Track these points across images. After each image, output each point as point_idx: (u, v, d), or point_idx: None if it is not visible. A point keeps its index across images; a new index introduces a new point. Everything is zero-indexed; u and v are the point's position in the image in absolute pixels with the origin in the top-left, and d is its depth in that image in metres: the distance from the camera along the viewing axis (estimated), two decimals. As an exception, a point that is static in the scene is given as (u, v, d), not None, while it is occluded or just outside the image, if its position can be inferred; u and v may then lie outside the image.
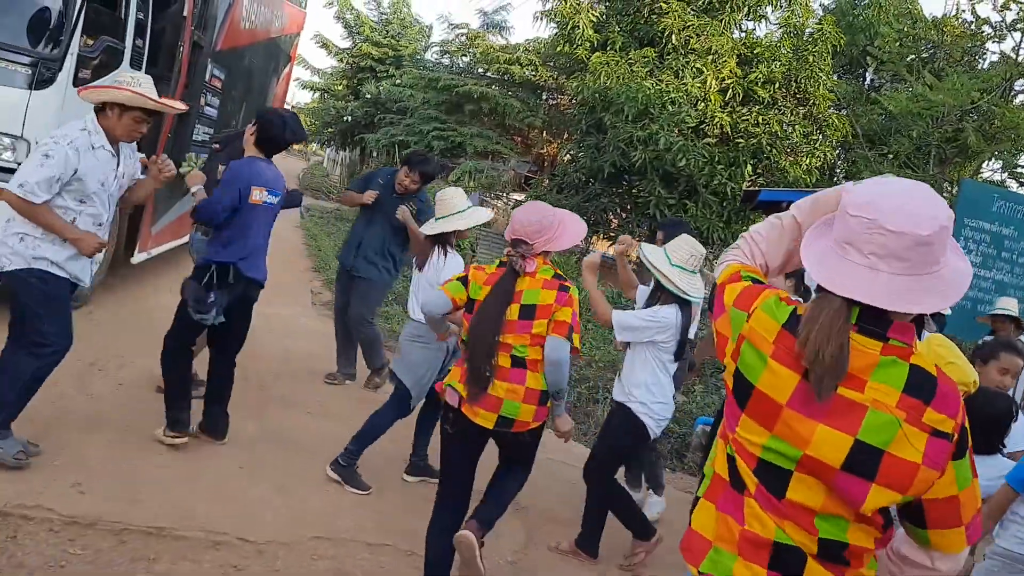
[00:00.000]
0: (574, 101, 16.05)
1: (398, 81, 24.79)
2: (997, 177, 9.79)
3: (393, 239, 5.86)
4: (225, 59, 8.19)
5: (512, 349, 3.19)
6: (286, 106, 14.31)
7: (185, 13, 6.86)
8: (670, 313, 4.07)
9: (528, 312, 3.19)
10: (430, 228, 4.49)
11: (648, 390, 4.10)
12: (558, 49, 16.52)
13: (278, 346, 6.74)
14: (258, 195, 4.19)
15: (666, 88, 13.53)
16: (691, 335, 4.51)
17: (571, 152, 15.95)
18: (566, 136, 19.53)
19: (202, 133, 7.88)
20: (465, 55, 23.08)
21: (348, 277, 6.04)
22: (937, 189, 10.51)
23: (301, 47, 18.30)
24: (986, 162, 9.26)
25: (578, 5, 15.39)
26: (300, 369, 6.31)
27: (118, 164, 3.73)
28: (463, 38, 23.16)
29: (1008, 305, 6.40)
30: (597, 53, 14.30)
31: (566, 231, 3.32)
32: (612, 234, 14.93)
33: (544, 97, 21.76)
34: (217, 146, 5.96)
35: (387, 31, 28.59)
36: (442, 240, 4.52)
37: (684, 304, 4.09)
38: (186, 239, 6.59)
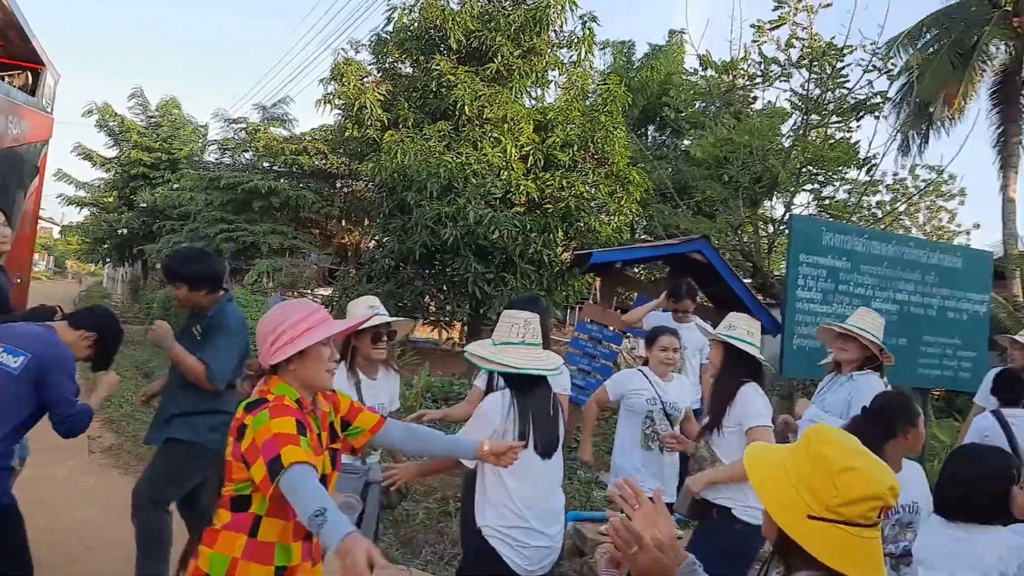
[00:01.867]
0: (371, 185, 15.24)
1: (176, 185, 23.09)
2: (808, 211, 9.83)
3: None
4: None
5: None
6: (54, 225, 12.54)
7: None
8: (488, 402, 3.22)
9: None
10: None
11: (498, 512, 3.15)
12: (347, 133, 15.76)
13: (55, 523, 5.25)
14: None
15: (467, 160, 13.02)
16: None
17: (376, 238, 15.06)
18: (367, 222, 18.65)
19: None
20: (247, 150, 21.80)
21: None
22: (752, 230, 10.69)
23: (62, 161, 16.43)
24: (795, 196, 9.22)
25: (362, 85, 14.71)
26: (79, 553, 4.88)
27: None
28: (243, 133, 21.92)
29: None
30: (389, 132, 13.63)
31: (289, 330, 2.35)
32: (431, 318, 14.07)
33: (338, 185, 20.87)
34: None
35: (157, 134, 26.68)
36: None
37: (526, 384, 3.24)
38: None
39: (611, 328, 7.58)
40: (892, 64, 10.83)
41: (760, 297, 8.54)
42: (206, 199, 18.98)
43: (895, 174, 20.94)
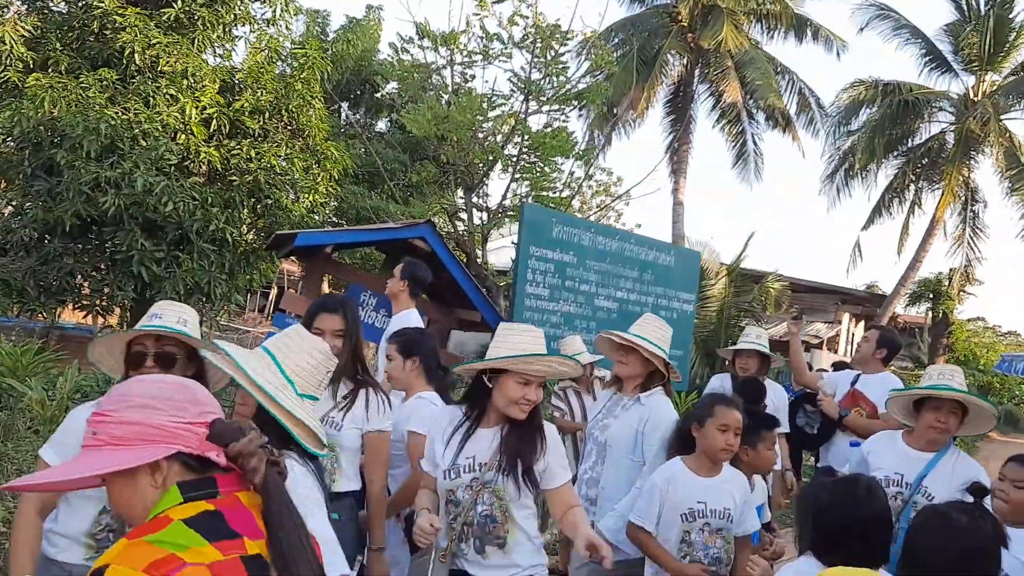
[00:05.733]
0: (9, 139, 12.54)
1: None
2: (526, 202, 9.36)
3: None
4: None
5: None
6: None
7: None
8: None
9: None
10: None
11: None
12: (-23, 74, 12.86)
13: None
14: None
15: (135, 118, 11.02)
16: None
17: (13, 203, 12.38)
18: (2, 184, 15.51)
19: None
20: None
21: None
22: (468, 218, 10.06)
23: None
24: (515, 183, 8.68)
25: (1, 16, 11.99)
26: None
27: None
28: None
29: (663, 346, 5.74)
30: (35, 75, 11.14)
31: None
32: (85, 302, 11.84)
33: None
34: None
35: None
36: None
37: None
38: None
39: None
40: (596, 60, 10.68)
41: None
42: None
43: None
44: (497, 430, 2.95)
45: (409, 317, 5.40)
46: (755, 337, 5.87)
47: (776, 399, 5.53)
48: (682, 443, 3.52)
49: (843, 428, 5.31)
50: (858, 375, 5.46)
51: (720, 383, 5.99)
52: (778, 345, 8.23)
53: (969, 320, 30.74)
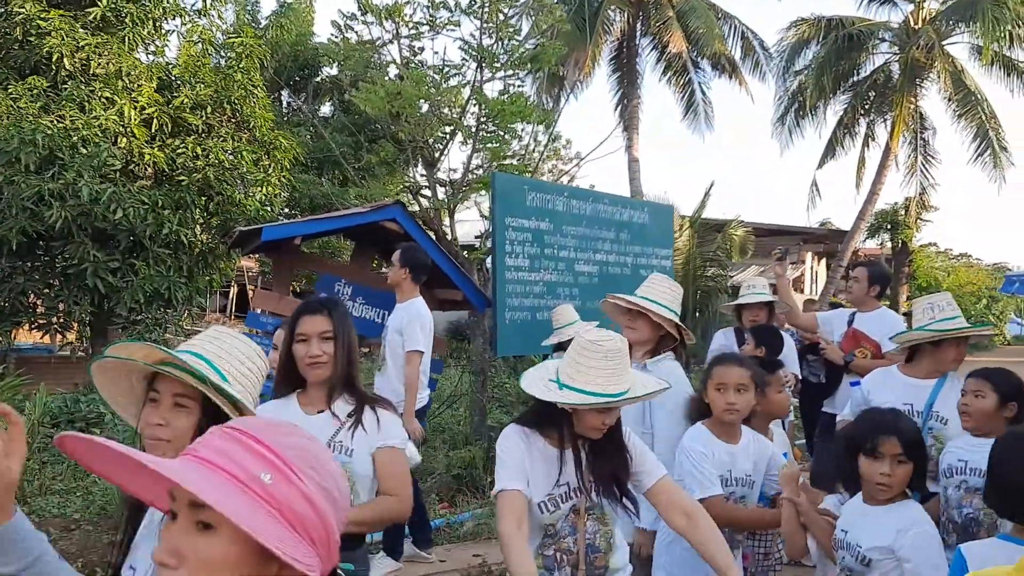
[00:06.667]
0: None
1: None
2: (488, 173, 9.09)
3: None
4: None
5: None
6: None
7: None
8: None
9: None
10: None
11: None
12: None
13: None
14: None
15: (72, 125, 10.55)
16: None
17: (-47, 225, 11.84)
18: (-61, 207, 14.87)
19: None
20: None
21: None
22: (432, 194, 9.77)
23: None
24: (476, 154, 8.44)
25: (-86, 31, 11.38)
26: None
27: None
28: None
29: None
30: (-40, 89, 10.62)
31: None
32: (41, 321, 11.40)
33: None
34: None
35: None
36: None
37: None
38: None
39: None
40: (545, 19, 10.45)
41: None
42: None
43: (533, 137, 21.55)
44: (579, 452, 2.63)
45: (415, 305, 5.21)
46: (761, 287, 5.70)
47: (785, 347, 5.36)
48: (700, 408, 3.34)
49: (848, 372, 5.19)
50: (853, 314, 5.34)
51: (724, 339, 5.81)
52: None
53: (921, 247, 31.26)
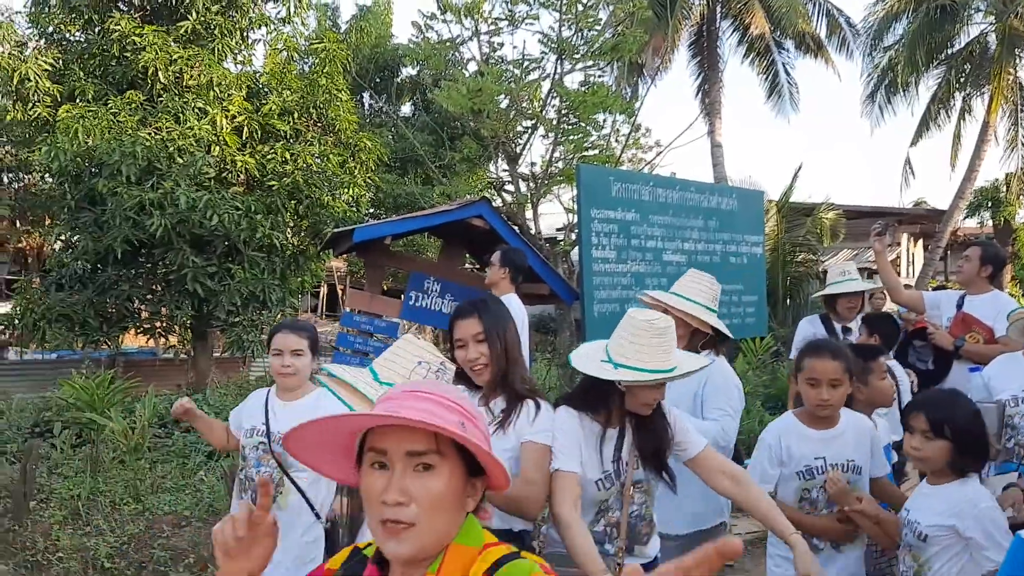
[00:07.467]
0: (48, 175, 12.61)
1: None
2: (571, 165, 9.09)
3: None
4: None
5: None
6: None
7: None
8: None
9: None
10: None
11: None
12: (8, 117, 12.92)
13: None
14: None
15: (168, 136, 10.97)
16: None
17: (62, 237, 12.46)
18: (48, 220, 15.66)
19: None
20: None
21: None
22: (515, 189, 9.86)
23: None
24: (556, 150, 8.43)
25: (21, 54, 11.98)
26: None
27: None
28: None
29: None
30: (64, 107, 11.14)
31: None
32: (146, 326, 11.90)
33: (5, 180, 17.47)
34: None
35: None
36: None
37: None
38: None
39: (383, 318, 6.32)
40: (626, 6, 10.34)
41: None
42: None
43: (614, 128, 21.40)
44: (625, 428, 2.78)
45: (511, 302, 5.28)
46: (853, 272, 5.45)
47: None
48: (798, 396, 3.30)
49: (959, 358, 4.90)
50: (963, 296, 5.07)
51: (811, 328, 5.55)
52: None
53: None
